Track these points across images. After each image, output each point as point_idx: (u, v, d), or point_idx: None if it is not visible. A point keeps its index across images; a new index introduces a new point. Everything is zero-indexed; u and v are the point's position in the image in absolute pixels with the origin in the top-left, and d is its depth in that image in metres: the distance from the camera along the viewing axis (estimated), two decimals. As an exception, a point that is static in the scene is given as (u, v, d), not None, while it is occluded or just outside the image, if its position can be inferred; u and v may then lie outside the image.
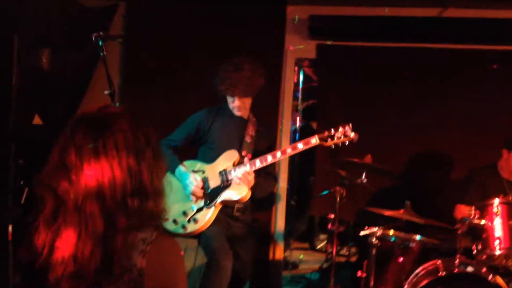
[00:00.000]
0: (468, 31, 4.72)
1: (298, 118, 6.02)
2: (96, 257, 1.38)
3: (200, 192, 3.60)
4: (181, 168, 3.67)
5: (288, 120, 5.13)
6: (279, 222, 4.96)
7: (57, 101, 4.64)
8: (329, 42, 4.95)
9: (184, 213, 3.61)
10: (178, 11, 5.05)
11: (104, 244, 1.39)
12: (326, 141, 3.48)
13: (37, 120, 4.36)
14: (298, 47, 5.02)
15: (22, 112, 3.78)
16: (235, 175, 3.56)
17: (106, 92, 3.14)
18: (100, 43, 3.29)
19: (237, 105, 3.67)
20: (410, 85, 4.78)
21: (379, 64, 4.86)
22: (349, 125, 3.46)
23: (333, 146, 3.49)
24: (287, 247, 5.34)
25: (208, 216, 3.59)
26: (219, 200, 3.59)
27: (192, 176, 3.62)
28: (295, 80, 5.33)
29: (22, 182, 3.51)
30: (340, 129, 3.46)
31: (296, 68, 5.27)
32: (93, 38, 3.27)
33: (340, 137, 3.46)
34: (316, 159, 4.90)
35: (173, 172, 3.69)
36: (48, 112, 4.45)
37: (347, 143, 3.50)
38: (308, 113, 6.08)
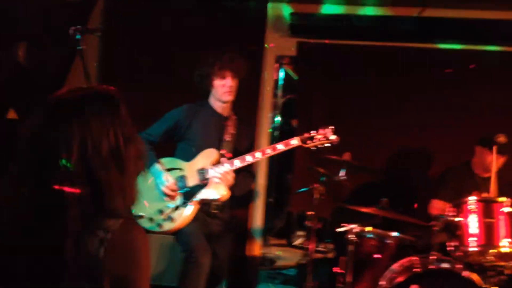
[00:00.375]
0: (448, 30, 4.78)
1: (278, 115, 6.02)
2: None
3: (171, 193, 3.55)
4: (156, 166, 3.62)
5: (268, 118, 5.14)
6: (257, 219, 4.98)
7: (33, 96, 4.58)
8: (310, 40, 4.98)
9: (160, 212, 3.57)
10: (158, 6, 5.02)
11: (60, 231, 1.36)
12: (306, 143, 3.47)
13: (12, 115, 4.30)
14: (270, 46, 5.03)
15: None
16: (214, 174, 3.53)
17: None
18: (78, 37, 3.26)
19: (230, 85, 3.64)
20: (389, 83, 4.84)
21: (359, 62, 4.91)
22: (330, 128, 3.46)
23: (313, 148, 3.48)
24: (264, 243, 5.34)
25: (184, 214, 3.55)
26: (196, 199, 3.56)
27: (164, 175, 3.57)
28: (276, 78, 5.33)
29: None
30: (321, 131, 3.47)
31: (276, 66, 5.28)
32: (71, 32, 3.24)
33: (321, 139, 3.46)
34: (295, 156, 4.92)
35: (148, 168, 3.66)
36: (24, 106, 4.40)
37: (327, 146, 3.50)
38: (288, 111, 6.09)
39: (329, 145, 3.50)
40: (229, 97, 3.68)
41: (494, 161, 3.84)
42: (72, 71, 4.89)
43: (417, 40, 4.85)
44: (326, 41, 5.00)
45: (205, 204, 3.61)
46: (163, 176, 3.57)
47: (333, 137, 3.46)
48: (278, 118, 5.64)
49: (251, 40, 4.98)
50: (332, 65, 4.95)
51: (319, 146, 3.49)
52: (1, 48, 4.27)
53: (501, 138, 3.95)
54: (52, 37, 4.39)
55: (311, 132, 3.48)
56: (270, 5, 5.05)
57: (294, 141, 3.47)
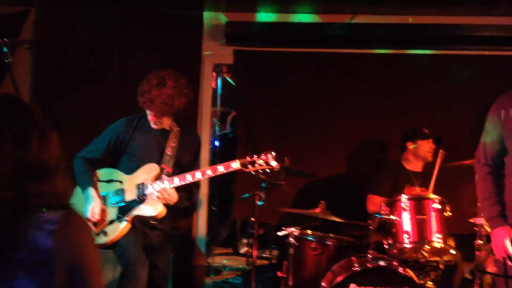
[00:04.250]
0: (375, 35, 4.95)
1: (217, 125, 6.05)
2: None
3: (93, 220, 3.46)
4: (89, 192, 3.52)
5: (208, 127, 5.14)
6: (201, 228, 4.96)
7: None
8: (246, 48, 5.03)
9: (95, 225, 3.50)
10: (91, 16, 4.95)
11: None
12: (247, 167, 3.41)
13: None
14: (208, 53, 5.05)
15: None
16: (152, 190, 3.46)
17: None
18: (5, 50, 3.17)
19: (153, 120, 3.56)
20: (325, 88, 4.94)
21: (295, 69, 4.99)
22: (272, 154, 3.39)
23: (253, 173, 3.44)
24: (209, 253, 5.33)
25: (119, 229, 3.47)
26: (132, 214, 3.49)
27: (93, 204, 3.48)
28: (214, 86, 5.36)
29: None
30: (263, 156, 3.39)
31: (214, 74, 5.31)
32: (-2, 45, 3.15)
33: (262, 165, 3.40)
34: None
35: (82, 190, 3.55)
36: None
37: (268, 171, 3.46)
38: (229, 121, 6.13)
39: (268, 170, 3.45)
40: (154, 127, 3.61)
41: (439, 159, 4.02)
42: (3, 85, 4.74)
43: (350, 46, 4.99)
44: (262, 48, 5.06)
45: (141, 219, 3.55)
46: (92, 204, 3.48)
47: (274, 163, 3.39)
48: (218, 127, 5.68)
49: (188, 48, 4.98)
50: (268, 72, 5.01)
51: (259, 171, 3.46)
52: None
53: (426, 131, 4.27)
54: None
55: (253, 156, 3.40)
56: (206, 14, 5.07)
57: (235, 164, 3.40)
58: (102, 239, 3.46)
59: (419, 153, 4.31)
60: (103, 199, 3.57)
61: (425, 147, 4.29)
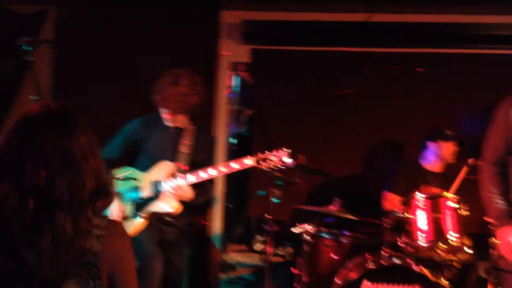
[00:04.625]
0: (395, 35, 4.94)
1: (234, 123, 6.06)
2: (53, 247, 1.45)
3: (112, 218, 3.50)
4: None
5: (224, 126, 5.17)
6: (216, 225, 5.00)
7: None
8: (264, 47, 5.05)
9: None
10: (110, 15, 5.01)
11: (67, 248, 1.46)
12: (260, 163, 3.41)
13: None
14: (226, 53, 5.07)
15: None
16: (168, 187, 3.51)
17: (32, 98, 3.08)
18: (27, 48, 3.24)
19: (168, 118, 3.61)
20: (340, 88, 4.95)
21: (312, 68, 5.01)
22: (285, 150, 3.40)
23: (267, 170, 3.44)
24: (224, 249, 5.36)
25: (135, 225, 3.53)
26: (148, 211, 3.55)
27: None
28: (230, 85, 5.38)
29: None
30: (276, 153, 3.40)
31: (231, 73, 5.33)
32: (20, 44, 3.21)
33: (276, 162, 3.41)
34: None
35: None
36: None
37: (282, 168, 3.46)
38: (245, 120, 6.15)
39: (283, 167, 3.45)
40: (170, 124, 3.65)
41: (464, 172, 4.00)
42: (24, 84, 4.83)
43: (366, 45, 4.98)
44: (279, 47, 5.08)
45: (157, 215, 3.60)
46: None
47: (288, 160, 3.40)
48: (234, 126, 5.70)
49: (205, 47, 5.02)
50: (286, 70, 5.03)
51: (273, 167, 3.46)
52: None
53: (449, 132, 4.22)
54: (2, 49, 4.34)
55: (267, 152, 3.42)
56: (223, 13, 5.10)
57: (249, 161, 3.42)
58: None
59: (440, 154, 4.26)
60: (119, 196, 3.63)
61: (447, 148, 4.24)
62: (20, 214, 1.44)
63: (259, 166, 3.43)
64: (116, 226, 1.59)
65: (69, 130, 1.51)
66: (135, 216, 3.54)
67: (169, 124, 3.64)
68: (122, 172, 3.69)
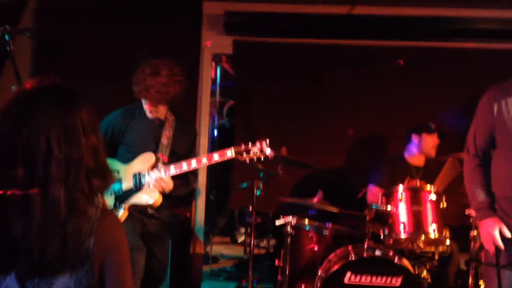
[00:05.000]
0: (377, 28, 4.96)
1: (216, 115, 6.07)
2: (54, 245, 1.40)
3: None
4: None
5: (207, 117, 5.16)
6: (199, 217, 4.99)
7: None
8: (246, 38, 5.03)
9: None
10: (92, 6, 4.95)
11: (60, 229, 1.40)
12: (242, 155, 3.41)
13: None
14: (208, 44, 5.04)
15: None
16: (149, 179, 3.48)
17: (13, 87, 3.04)
18: (7, 38, 3.18)
19: (149, 109, 3.58)
20: (322, 80, 4.96)
21: (294, 60, 5.01)
22: (265, 141, 3.42)
23: (248, 161, 3.44)
24: (207, 241, 5.37)
25: None
26: (128, 203, 3.52)
27: None
28: (213, 76, 5.37)
29: None
30: (257, 144, 3.41)
31: (213, 64, 5.31)
32: (-2, 33, 3.16)
33: (256, 153, 3.41)
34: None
35: None
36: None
37: (262, 159, 3.47)
38: (227, 111, 6.15)
39: (263, 158, 3.45)
40: (150, 116, 3.62)
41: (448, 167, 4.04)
42: (4, 73, 4.75)
43: (347, 38, 5.00)
44: (262, 39, 5.06)
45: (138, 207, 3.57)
46: None
47: (268, 150, 3.41)
48: (217, 117, 5.70)
49: (187, 39, 4.98)
50: (268, 62, 5.02)
51: (254, 159, 3.44)
52: None
53: (433, 125, 4.24)
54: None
55: (248, 144, 3.43)
56: (205, 3, 5.06)
57: (230, 152, 3.41)
58: None
59: (423, 147, 4.30)
60: None
61: (430, 141, 4.29)
62: (11, 186, 1.40)
63: (241, 158, 3.44)
64: (108, 216, 1.53)
65: (72, 104, 1.48)
66: (116, 208, 3.51)
67: (149, 115, 3.62)
68: None
